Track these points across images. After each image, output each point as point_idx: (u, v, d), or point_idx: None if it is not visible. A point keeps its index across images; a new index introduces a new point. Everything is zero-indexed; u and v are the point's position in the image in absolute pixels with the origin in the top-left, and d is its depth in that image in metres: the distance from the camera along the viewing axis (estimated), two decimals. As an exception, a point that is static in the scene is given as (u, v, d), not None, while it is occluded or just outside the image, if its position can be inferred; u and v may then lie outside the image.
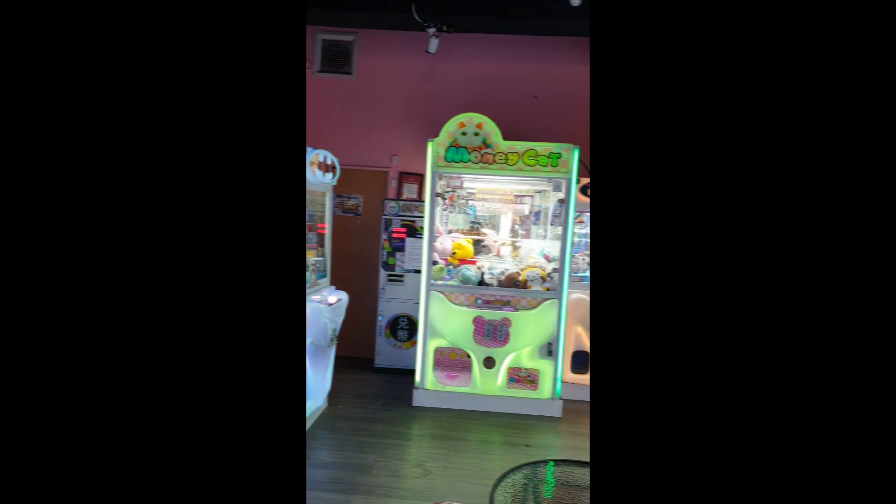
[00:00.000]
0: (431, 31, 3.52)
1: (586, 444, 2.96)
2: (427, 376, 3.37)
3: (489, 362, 3.32)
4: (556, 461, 2.04)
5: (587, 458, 2.72)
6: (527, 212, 3.94)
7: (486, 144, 3.26)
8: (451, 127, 3.28)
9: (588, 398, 3.61)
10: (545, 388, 3.33)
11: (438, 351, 3.37)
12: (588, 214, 3.79)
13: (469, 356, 3.34)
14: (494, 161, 3.26)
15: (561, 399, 3.37)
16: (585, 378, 3.60)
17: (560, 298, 3.29)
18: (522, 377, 3.34)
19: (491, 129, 3.26)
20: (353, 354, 4.09)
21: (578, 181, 3.46)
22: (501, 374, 3.33)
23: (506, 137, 3.30)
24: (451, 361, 3.37)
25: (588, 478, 1.86)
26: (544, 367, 3.32)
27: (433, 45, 3.62)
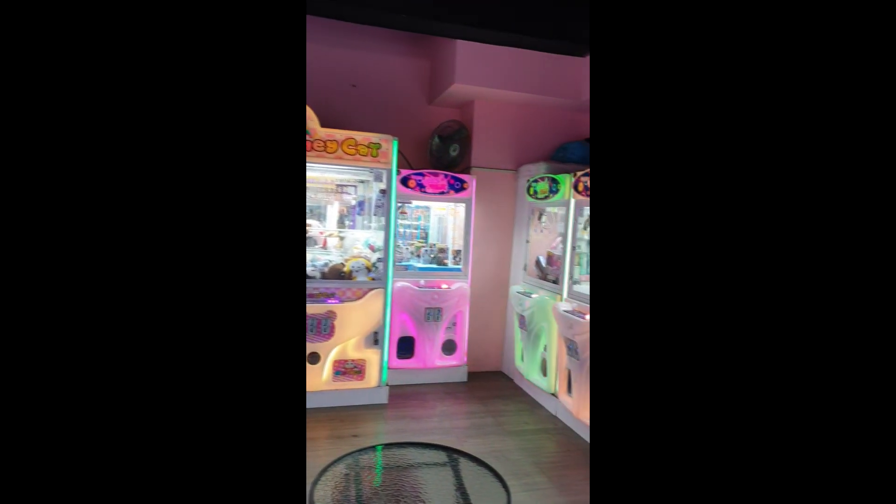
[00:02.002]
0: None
1: (413, 426, 3.08)
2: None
3: (313, 358, 3.20)
4: (383, 445, 2.07)
5: (414, 440, 2.81)
6: (353, 202, 3.89)
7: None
8: (263, 109, 3.03)
9: (413, 381, 3.76)
10: (372, 377, 3.36)
11: (257, 351, 3.12)
12: (410, 205, 3.92)
13: (292, 353, 3.16)
14: (313, 148, 3.14)
15: (387, 385, 3.43)
16: (410, 363, 3.73)
17: (385, 287, 3.33)
18: (349, 369, 3.31)
19: (308, 114, 3.13)
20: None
21: (399, 172, 3.55)
22: (327, 368, 3.25)
23: (324, 125, 3.20)
24: (272, 361, 3.15)
25: (413, 456, 1.93)
26: (371, 356, 3.34)
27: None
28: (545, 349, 3.43)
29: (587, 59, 3.58)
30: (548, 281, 3.50)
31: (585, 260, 3.27)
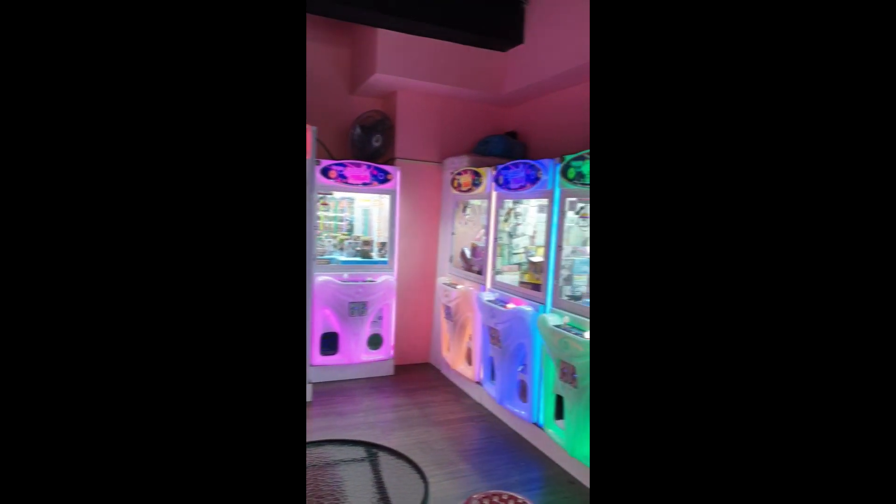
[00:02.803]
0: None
1: (338, 422, 3.02)
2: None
3: (230, 358, 3.04)
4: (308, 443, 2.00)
5: (339, 437, 2.76)
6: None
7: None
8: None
9: (339, 377, 3.68)
10: (294, 376, 3.25)
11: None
12: (332, 197, 3.81)
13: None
14: (224, 137, 2.95)
15: (311, 383, 3.34)
16: (334, 359, 3.65)
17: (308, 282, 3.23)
18: (269, 368, 3.18)
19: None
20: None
21: (318, 162, 3.43)
22: (245, 368, 3.09)
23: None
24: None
25: (332, 453, 1.88)
26: (292, 353, 3.23)
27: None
28: (470, 339, 3.49)
29: (509, 53, 3.65)
30: (473, 272, 3.56)
31: (508, 251, 3.36)
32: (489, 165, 3.35)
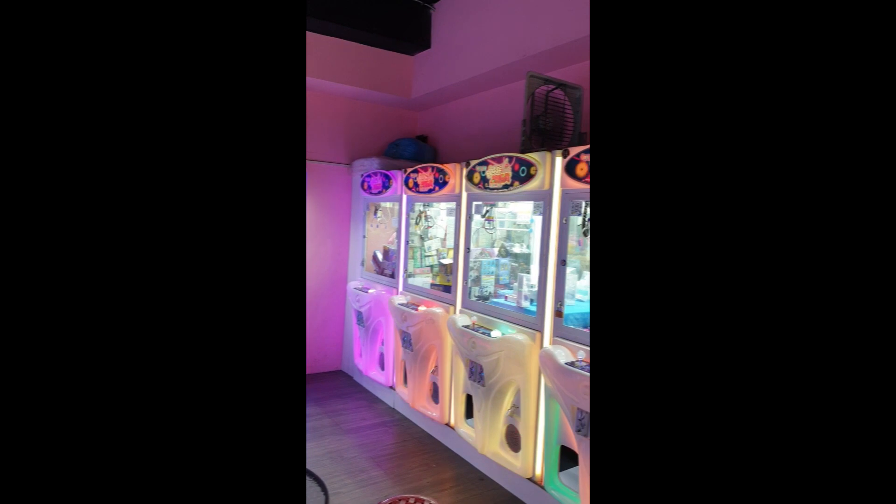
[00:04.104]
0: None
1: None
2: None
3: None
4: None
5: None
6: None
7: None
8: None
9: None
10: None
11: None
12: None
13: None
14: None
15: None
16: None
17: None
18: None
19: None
20: None
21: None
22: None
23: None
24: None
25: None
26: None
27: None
28: (383, 343, 3.46)
29: (417, 57, 3.67)
30: (385, 275, 3.52)
31: (420, 253, 3.37)
32: (399, 168, 3.35)
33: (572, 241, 2.19)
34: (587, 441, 1.90)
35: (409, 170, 3.14)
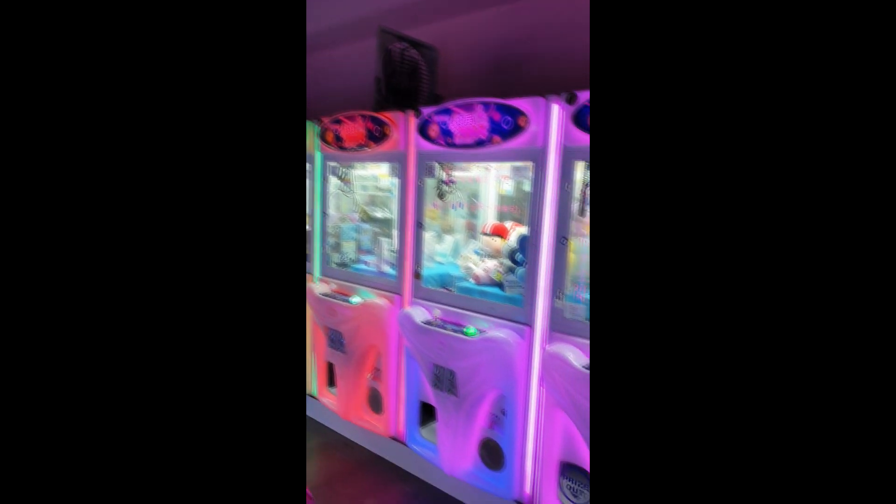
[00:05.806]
0: None
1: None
2: None
3: None
4: None
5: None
6: None
7: None
8: None
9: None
10: None
11: None
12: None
13: None
14: None
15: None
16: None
17: None
18: None
19: None
20: None
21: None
22: None
23: None
24: None
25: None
26: None
27: None
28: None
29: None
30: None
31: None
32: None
33: (431, 206, 2.21)
34: (443, 395, 1.98)
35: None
